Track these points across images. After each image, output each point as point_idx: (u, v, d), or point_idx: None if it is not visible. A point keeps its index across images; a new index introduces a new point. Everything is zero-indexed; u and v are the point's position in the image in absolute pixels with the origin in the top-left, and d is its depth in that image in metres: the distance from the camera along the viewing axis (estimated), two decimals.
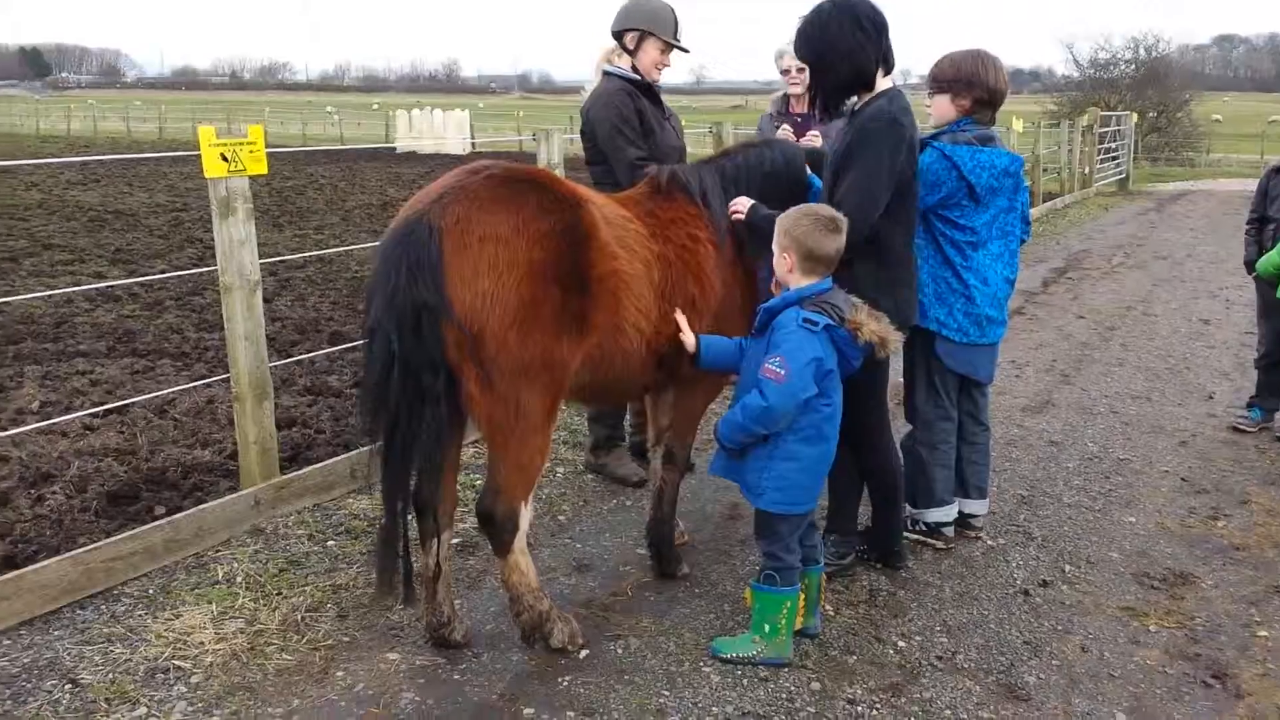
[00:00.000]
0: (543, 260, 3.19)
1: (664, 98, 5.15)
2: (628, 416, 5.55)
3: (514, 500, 3.39)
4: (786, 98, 6.14)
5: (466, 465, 5.19)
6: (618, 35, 4.97)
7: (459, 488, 4.24)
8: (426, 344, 3.12)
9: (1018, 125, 15.89)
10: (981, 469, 4.67)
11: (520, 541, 3.47)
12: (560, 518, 4.92)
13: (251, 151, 4.63)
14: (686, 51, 5.07)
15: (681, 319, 3.73)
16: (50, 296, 8.34)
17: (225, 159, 4.53)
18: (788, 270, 3.54)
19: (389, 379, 3.15)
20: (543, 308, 3.20)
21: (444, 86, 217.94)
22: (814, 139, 5.40)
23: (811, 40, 3.89)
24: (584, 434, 5.75)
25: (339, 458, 5.15)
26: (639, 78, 4.92)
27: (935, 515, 4.53)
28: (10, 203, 17.49)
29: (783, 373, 3.35)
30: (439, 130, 36.58)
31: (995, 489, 5.20)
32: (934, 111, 4.43)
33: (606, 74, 4.99)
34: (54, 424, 5.79)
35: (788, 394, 3.35)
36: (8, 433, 5.30)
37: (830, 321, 3.44)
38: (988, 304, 4.36)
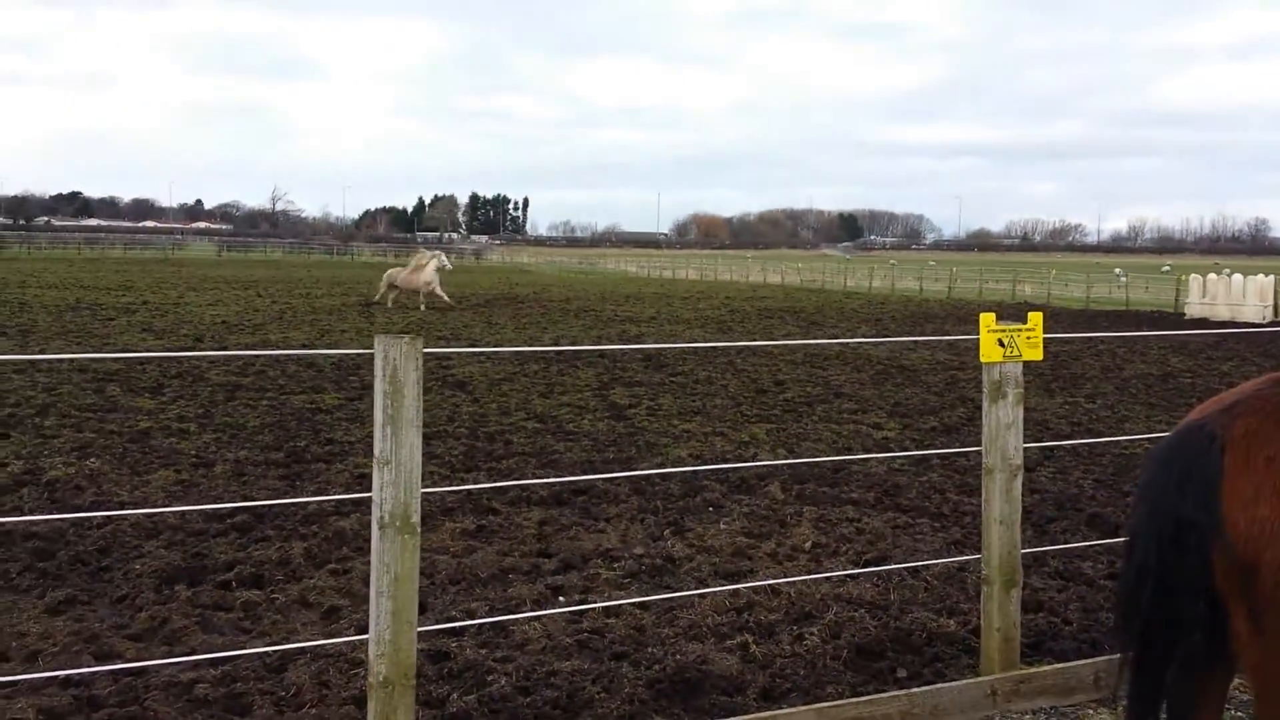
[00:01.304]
0: None
1: None
2: None
3: None
4: None
5: (1232, 698, 4.50)
6: None
7: None
8: (1189, 565, 2.85)
9: None
10: None
11: None
12: None
13: (1029, 339, 4.69)
14: None
15: None
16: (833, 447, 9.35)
17: (1002, 344, 4.65)
18: None
19: (1142, 594, 2.94)
20: None
21: (1248, 248, 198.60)
22: None
23: None
24: None
25: (1083, 662, 4.85)
26: None
27: None
28: (814, 353, 20.03)
29: None
30: (1236, 296, 33.30)
31: None
32: None
33: None
34: (822, 576, 6.38)
35: None
36: (787, 577, 5.97)
37: None
38: None
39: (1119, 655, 3.11)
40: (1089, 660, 4.86)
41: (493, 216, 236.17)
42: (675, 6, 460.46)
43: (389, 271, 32.51)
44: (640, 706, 4.60)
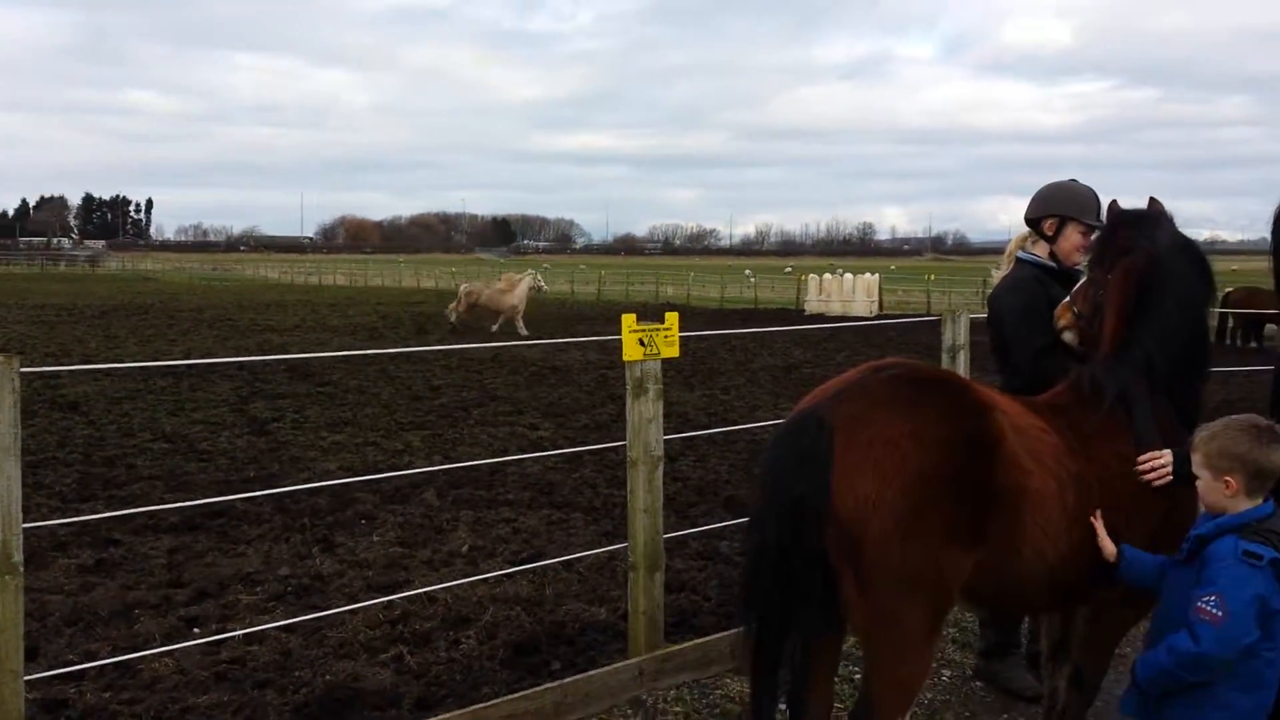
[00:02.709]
0: (934, 468, 3.08)
1: None
2: (1025, 621, 5.11)
3: (888, 717, 3.20)
4: None
5: (848, 656, 5.00)
6: (1034, 222, 4.81)
7: (838, 681, 4.08)
8: (804, 541, 3.11)
9: None
10: None
11: None
12: None
13: (666, 337, 4.94)
14: None
15: (1098, 523, 3.39)
16: (489, 449, 9.39)
17: (642, 344, 4.86)
18: (1229, 495, 3.11)
19: (764, 569, 3.17)
20: (929, 518, 3.06)
21: (858, 249, 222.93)
22: None
23: None
24: (975, 633, 5.35)
25: (719, 635, 5.18)
26: (1054, 265, 4.72)
27: None
28: (470, 357, 20.02)
29: (1220, 614, 2.92)
30: (847, 293, 37.20)
31: None
32: None
33: (1019, 260, 4.86)
34: (479, 578, 6.37)
35: (1227, 639, 2.91)
36: (443, 583, 5.90)
37: (1277, 555, 2.98)
38: None
39: (745, 629, 3.33)
40: (725, 633, 5.18)
41: (110, 220, 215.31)
42: (320, 3, 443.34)
43: (467, 287, 27.57)
44: None
